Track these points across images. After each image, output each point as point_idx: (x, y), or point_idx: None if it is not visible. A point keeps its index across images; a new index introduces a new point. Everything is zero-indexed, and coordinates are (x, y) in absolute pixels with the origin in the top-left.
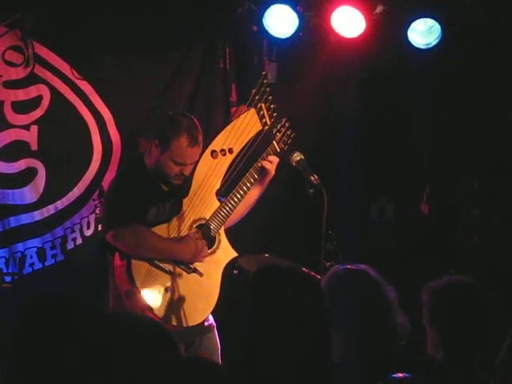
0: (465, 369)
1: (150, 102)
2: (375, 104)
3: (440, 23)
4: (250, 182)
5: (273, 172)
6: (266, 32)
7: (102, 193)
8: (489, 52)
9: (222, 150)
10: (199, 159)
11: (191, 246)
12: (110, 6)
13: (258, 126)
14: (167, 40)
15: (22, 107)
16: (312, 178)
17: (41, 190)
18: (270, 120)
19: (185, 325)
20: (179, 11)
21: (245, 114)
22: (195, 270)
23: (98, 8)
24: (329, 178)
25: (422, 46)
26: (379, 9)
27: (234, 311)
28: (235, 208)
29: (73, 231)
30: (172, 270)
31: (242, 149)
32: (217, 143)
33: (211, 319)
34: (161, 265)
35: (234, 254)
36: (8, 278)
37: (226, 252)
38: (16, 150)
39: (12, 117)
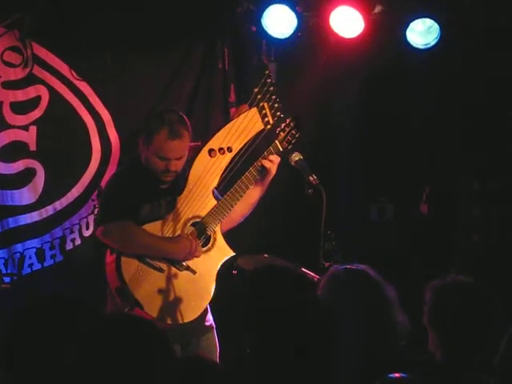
0: (464, 369)
1: (150, 102)
2: (374, 104)
3: (439, 23)
4: (250, 181)
5: (273, 171)
6: (265, 32)
7: (100, 193)
8: (489, 52)
9: (221, 149)
10: (196, 157)
11: (182, 245)
12: (110, 6)
13: (259, 126)
14: (167, 40)
15: (20, 108)
16: (311, 178)
17: (39, 190)
18: (273, 119)
19: (175, 322)
20: (179, 11)
21: (246, 113)
22: (188, 268)
23: (98, 8)
24: (328, 178)
25: (420, 46)
26: (378, 9)
27: (232, 311)
28: (233, 207)
29: (72, 232)
30: (163, 268)
31: (242, 148)
32: (215, 142)
33: (211, 319)
34: (152, 262)
35: (231, 252)
36: (7, 279)
37: (221, 250)
38: (15, 151)
39: (11, 117)
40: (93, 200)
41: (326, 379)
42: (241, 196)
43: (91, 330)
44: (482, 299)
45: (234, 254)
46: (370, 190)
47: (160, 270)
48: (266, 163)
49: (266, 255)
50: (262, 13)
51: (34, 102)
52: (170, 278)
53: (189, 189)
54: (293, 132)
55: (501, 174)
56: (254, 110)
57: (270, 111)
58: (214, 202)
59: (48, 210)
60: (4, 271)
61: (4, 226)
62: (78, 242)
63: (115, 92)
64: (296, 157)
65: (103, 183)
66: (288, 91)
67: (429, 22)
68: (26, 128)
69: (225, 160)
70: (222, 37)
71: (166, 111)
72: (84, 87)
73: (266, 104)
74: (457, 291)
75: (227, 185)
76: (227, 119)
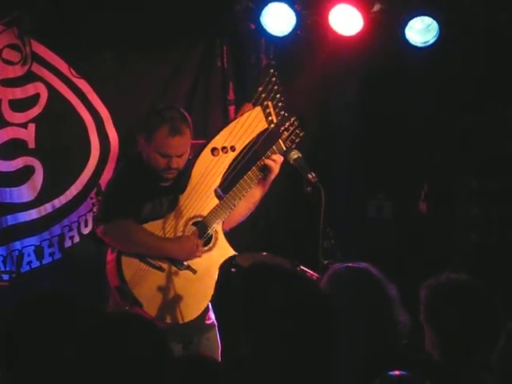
0: (462, 367)
1: (149, 99)
2: (373, 102)
3: (438, 21)
4: (253, 181)
5: (276, 171)
6: (264, 30)
7: (99, 191)
8: (488, 51)
9: (224, 148)
10: (198, 156)
11: (184, 244)
12: (109, 5)
13: (263, 125)
14: (167, 39)
15: (19, 105)
16: (310, 176)
17: (38, 188)
18: (276, 118)
19: (176, 321)
20: (178, 10)
21: (249, 111)
22: (188, 267)
23: (97, 7)
24: (327, 175)
25: (419, 44)
26: (377, 7)
27: (232, 309)
28: (235, 206)
29: (70, 229)
30: (164, 267)
31: (245, 147)
32: (218, 140)
33: (212, 318)
34: (152, 261)
35: (232, 252)
36: (6, 277)
37: (222, 250)
38: (13, 148)
39: (9, 115)
40: (91, 198)
41: (326, 377)
42: (243, 195)
43: (90, 329)
44: (476, 297)
45: (236, 253)
46: (369, 187)
47: (160, 269)
48: (270, 162)
49: (264, 253)
50: (261, 11)
51: (33, 99)
52: (170, 277)
53: (191, 187)
54: (297, 131)
55: (500, 174)
56: (258, 108)
57: (275, 110)
58: (216, 201)
59: (47, 208)
60: (2, 269)
61: (2, 223)
62: (76, 239)
63: (114, 90)
64: (295, 155)
65: (102, 181)
66: (287, 89)
67: (428, 20)
68: (24, 126)
69: (228, 159)
70: (221, 35)
71: (167, 108)
72: (83, 85)
73: (270, 103)
74: (451, 289)
75: (230, 184)
76: (226, 117)
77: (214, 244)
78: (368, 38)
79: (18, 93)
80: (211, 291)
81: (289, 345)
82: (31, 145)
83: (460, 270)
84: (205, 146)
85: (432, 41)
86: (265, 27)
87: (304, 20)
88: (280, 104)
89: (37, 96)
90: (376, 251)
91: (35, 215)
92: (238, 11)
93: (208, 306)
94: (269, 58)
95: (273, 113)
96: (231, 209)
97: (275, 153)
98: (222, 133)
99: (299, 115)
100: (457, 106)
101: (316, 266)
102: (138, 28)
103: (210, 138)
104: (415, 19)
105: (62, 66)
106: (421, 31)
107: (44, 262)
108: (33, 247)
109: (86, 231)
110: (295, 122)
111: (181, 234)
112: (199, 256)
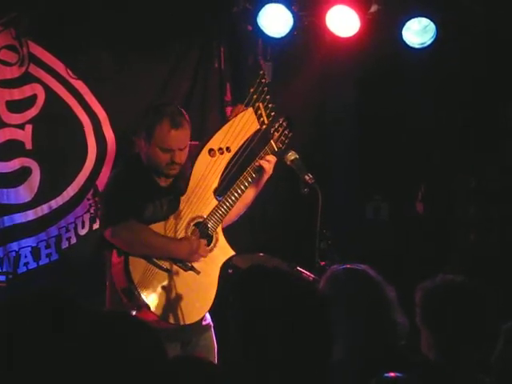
0: (459, 368)
1: (148, 100)
2: (370, 103)
3: (435, 22)
4: (248, 181)
5: (270, 171)
6: (261, 31)
7: (96, 192)
8: (486, 51)
9: (220, 149)
10: (197, 157)
11: (188, 245)
12: (108, 5)
13: (255, 126)
14: (165, 40)
15: (16, 106)
16: (306, 177)
17: (35, 189)
18: (267, 119)
19: (182, 323)
20: (177, 11)
21: (242, 113)
22: (192, 268)
23: (95, 7)
24: (324, 177)
25: (416, 46)
26: (374, 8)
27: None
28: (232, 207)
29: (67, 230)
30: (169, 268)
31: (240, 148)
32: (214, 142)
33: (209, 319)
34: (158, 262)
35: (232, 252)
36: (2, 278)
37: (223, 250)
38: (10, 149)
39: (6, 116)
40: (88, 199)
41: (324, 377)
42: (239, 196)
43: (89, 330)
44: (472, 297)
45: (235, 253)
46: (366, 188)
47: (166, 270)
48: (263, 163)
49: (261, 254)
50: (258, 12)
51: (30, 100)
52: (176, 278)
53: (191, 189)
54: (286, 132)
55: (497, 173)
56: (251, 110)
57: (265, 111)
58: (215, 202)
59: (43, 209)
60: None
61: None
62: (73, 240)
63: (111, 90)
64: (291, 156)
65: (99, 182)
66: (284, 90)
67: (425, 21)
68: (21, 127)
69: (224, 160)
70: (219, 36)
71: (164, 104)
72: (80, 86)
73: (261, 104)
74: (446, 290)
75: (227, 185)
76: (223, 118)
77: (214, 244)
78: (365, 39)
79: (15, 94)
80: (214, 291)
81: (287, 346)
82: (28, 146)
83: (458, 270)
84: (202, 147)
85: (429, 42)
86: (262, 28)
87: (301, 21)
88: (270, 105)
89: (34, 97)
90: (373, 253)
91: (32, 216)
92: (236, 12)
93: None
94: (266, 59)
95: (263, 114)
96: (229, 209)
97: (268, 153)
98: (217, 134)
99: (288, 116)
100: (455, 106)
101: (313, 267)
102: (137, 28)
103: (206, 138)
104: (412, 20)
105: (59, 67)
106: (418, 32)
107: (41, 263)
108: (30, 248)
109: (82, 232)
110: (284, 123)
111: (183, 235)
112: (205, 256)
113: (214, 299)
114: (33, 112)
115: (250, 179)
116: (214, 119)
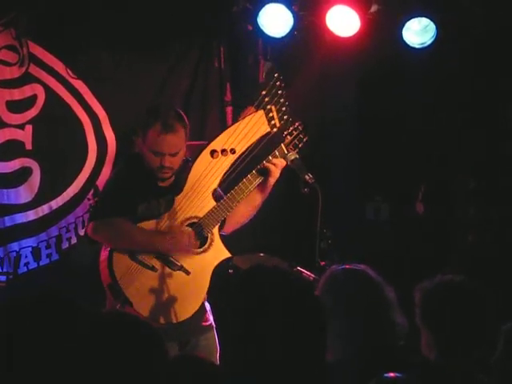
0: (459, 368)
1: (148, 98)
2: (370, 103)
3: (435, 22)
4: (252, 184)
5: (277, 175)
6: (261, 31)
7: (96, 192)
8: (486, 51)
9: (224, 150)
10: (197, 157)
11: (172, 238)
12: (108, 5)
13: (265, 128)
14: (165, 40)
15: (16, 106)
16: (307, 177)
17: (35, 189)
18: (279, 122)
19: (167, 322)
20: (176, 11)
21: (252, 115)
22: (181, 268)
23: (95, 7)
24: (324, 177)
25: (416, 46)
26: (374, 8)
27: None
28: (232, 209)
29: (68, 231)
30: (156, 267)
31: (246, 150)
32: (218, 143)
33: (211, 319)
34: (143, 260)
35: (227, 254)
36: (3, 278)
37: (217, 252)
38: (11, 150)
39: (7, 116)
40: (89, 199)
41: (323, 377)
42: (241, 198)
43: (89, 330)
44: (471, 297)
45: (231, 256)
46: (366, 189)
47: (152, 268)
48: (270, 166)
49: (261, 254)
50: (258, 12)
51: (30, 100)
52: (162, 278)
53: (188, 189)
54: (300, 136)
55: (497, 174)
56: (261, 112)
57: (278, 114)
58: (213, 203)
59: (44, 209)
60: (0, 270)
61: (0, 224)
62: (73, 240)
63: (111, 90)
64: (292, 156)
65: (99, 182)
66: (284, 90)
67: (425, 21)
68: (22, 127)
69: (227, 161)
70: (219, 36)
71: (162, 106)
72: (80, 86)
73: (273, 107)
74: (446, 290)
75: (228, 186)
76: (223, 118)
77: (209, 246)
78: (365, 39)
79: (16, 94)
80: (204, 293)
81: (287, 346)
82: (28, 146)
83: (458, 270)
84: (204, 147)
85: (429, 42)
86: (262, 28)
87: (301, 21)
88: (284, 108)
89: (34, 97)
90: (374, 253)
91: (32, 216)
92: (236, 12)
93: (204, 308)
94: (266, 59)
95: (276, 117)
96: (228, 211)
97: (276, 157)
98: (222, 135)
99: (303, 120)
100: (454, 106)
101: (313, 267)
102: (136, 28)
103: (209, 139)
104: (412, 20)
105: (59, 67)
106: (418, 32)
107: (41, 263)
108: (30, 248)
109: (83, 232)
110: (299, 127)
111: None
112: (190, 252)
113: (207, 299)
114: (33, 112)
115: (254, 182)
116: (214, 119)
